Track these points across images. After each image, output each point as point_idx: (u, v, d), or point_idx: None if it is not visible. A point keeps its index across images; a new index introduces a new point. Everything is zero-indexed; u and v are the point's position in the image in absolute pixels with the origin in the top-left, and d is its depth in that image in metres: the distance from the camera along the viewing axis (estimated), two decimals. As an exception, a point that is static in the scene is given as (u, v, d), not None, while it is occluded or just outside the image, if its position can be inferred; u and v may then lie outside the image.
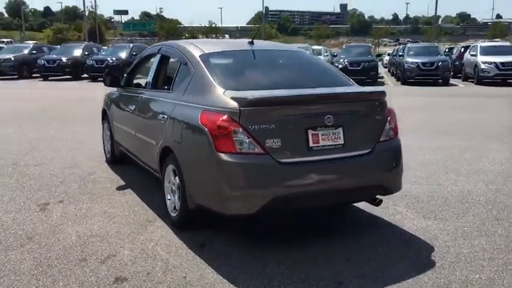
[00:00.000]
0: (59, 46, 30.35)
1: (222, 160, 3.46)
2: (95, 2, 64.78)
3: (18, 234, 4.09)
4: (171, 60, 4.88)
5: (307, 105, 3.67)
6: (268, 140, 3.48)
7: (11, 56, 24.70)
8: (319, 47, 30.28)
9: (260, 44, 4.88)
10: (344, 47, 27.90)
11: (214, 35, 75.49)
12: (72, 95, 17.34)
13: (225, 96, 3.64)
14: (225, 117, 3.48)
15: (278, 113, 3.54)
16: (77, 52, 25.12)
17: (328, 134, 3.68)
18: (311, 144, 3.61)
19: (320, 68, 4.75)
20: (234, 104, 3.49)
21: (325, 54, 27.21)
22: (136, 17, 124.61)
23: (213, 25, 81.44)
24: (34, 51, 25.99)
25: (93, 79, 22.19)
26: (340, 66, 21.18)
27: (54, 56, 24.39)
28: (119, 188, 5.38)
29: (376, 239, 4.01)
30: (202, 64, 4.13)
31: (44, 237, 4.02)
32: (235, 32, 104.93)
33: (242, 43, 4.78)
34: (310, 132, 3.61)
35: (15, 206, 4.83)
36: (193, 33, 75.24)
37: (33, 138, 8.35)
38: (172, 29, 76.62)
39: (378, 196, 4.09)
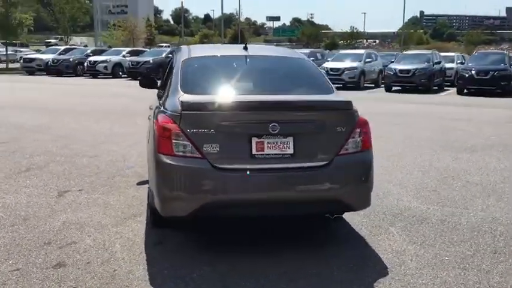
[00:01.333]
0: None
1: (161, 161, 3.55)
2: (239, 9, 67.96)
3: (18, 215, 4.61)
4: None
5: (251, 112, 3.59)
6: (206, 145, 3.48)
7: (150, 59, 26.87)
8: (452, 54, 28.33)
9: (254, 49, 4.82)
10: (475, 53, 25.65)
11: (354, 41, 74.49)
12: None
13: (178, 100, 3.72)
14: (167, 119, 3.57)
15: (219, 118, 3.52)
16: (358, 59, 22.72)
17: (275, 142, 3.56)
18: (254, 152, 3.53)
19: (303, 76, 4.55)
20: (178, 108, 3.56)
21: (458, 61, 25.49)
22: (288, 23, 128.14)
23: (354, 30, 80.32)
24: (170, 55, 27.75)
25: None
26: (466, 75, 19.71)
27: (339, 64, 22.50)
28: (139, 183, 5.71)
29: (332, 257, 3.77)
30: (181, 68, 4.25)
31: (36, 221, 4.47)
32: (379, 37, 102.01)
33: (237, 49, 4.79)
34: (254, 139, 3.53)
35: (41, 190, 5.42)
36: (334, 38, 74.97)
37: (113, 133, 9.17)
38: (314, 35, 77.23)
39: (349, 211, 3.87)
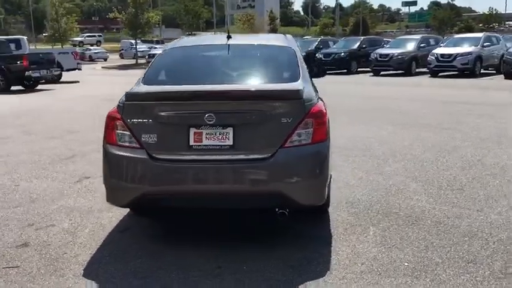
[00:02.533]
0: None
1: (106, 151, 3.66)
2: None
3: (29, 198, 5.04)
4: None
5: (188, 103, 3.52)
6: (144, 135, 3.51)
7: (342, 51, 24.42)
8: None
9: (237, 39, 4.66)
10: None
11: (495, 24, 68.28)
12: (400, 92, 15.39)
13: (130, 91, 3.78)
14: (115, 110, 3.66)
15: (158, 108, 3.51)
16: (411, 46, 22.83)
17: (214, 133, 3.46)
18: (191, 143, 3.47)
19: (273, 64, 4.30)
20: (123, 98, 3.63)
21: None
22: (426, 8, 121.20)
23: (494, 12, 73.55)
24: (364, 46, 24.97)
25: (376, 73, 22.12)
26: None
27: (387, 50, 22.82)
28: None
29: (280, 255, 3.56)
30: (156, 59, 4.32)
31: (38, 204, 4.86)
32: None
33: (221, 38, 4.68)
34: (192, 130, 3.47)
35: (66, 175, 5.87)
36: (468, 21, 69.48)
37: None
38: (446, 18, 72.20)
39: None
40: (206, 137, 3.47)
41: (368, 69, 23.16)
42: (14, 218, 4.47)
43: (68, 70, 22.33)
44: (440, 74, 20.22)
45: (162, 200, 3.57)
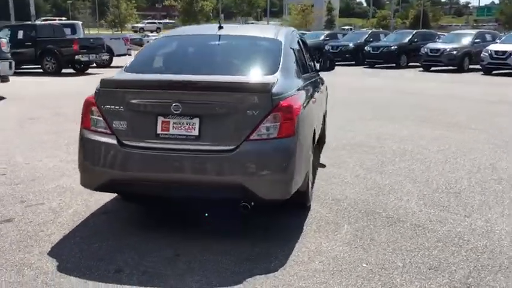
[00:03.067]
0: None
1: (80, 135, 3.79)
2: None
3: (32, 176, 5.30)
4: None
5: (156, 91, 3.58)
6: (116, 122, 3.60)
7: (391, 45, 23.37)
8: None
9: (228, 29, 4.63)
10: None
11: None
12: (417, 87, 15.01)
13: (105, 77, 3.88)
14: (91, 96, 3.77)
15: (130, 96, 3.59)
16: (465, 41, 21.70)
17: (181, 123, 3.50)
18: (159, 131, 3.53)
19: (253, 56, 4.27)
20: (99, 85, 3.73)
21: None
22: (497, 1, 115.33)
23: None
24: (415, 40, 23.75)
25: (426, 68, 21.45)
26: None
27: (439, 45, 21.78)
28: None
29: (240, 248, 3.57)
30: (144, 47, 4.42)
31: (38, 182, 5.09)
32: None
33: (213, 28, 4.68)
34: (160, 118, 3.53)
35: (76, 157, 6.07)
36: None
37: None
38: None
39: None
40: (173, 126, 3.51)
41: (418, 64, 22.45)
42: (10, 194, 4.71)
43: (118, 55, 23.04)
44: (494, 71, 19.30)
45: (129, 186, 3.65)
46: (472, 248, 3.58)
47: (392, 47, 23.27)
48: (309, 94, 4.33)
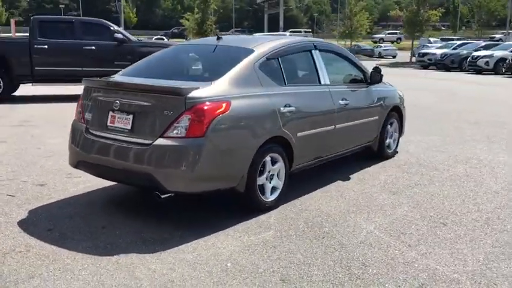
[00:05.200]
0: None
1: (71, 124, 4.75)
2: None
3: (48, 153, 6.29)
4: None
5: (108, 90, 4.29)
6: (87, 113, 4.45)
7: None
8: None
9: (224, 40, 5.01)
10: None
11: None
12: None
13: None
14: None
15: (95, 94, 4.40)
16: None
17: (122, 118, 4.15)
18: (108, 123, 4.25)
19: (216, 65, 4.61)
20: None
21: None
22: None
23: None
24: None
25: None
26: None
27: None
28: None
29: (175, 235, 3.91)
30: (152, 54, 5.21)
31: (52, 160, 6.02)
32: None
33: (212, 40, 5.17)
34: (110, 113, 4.27)
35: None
36: None
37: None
38: None
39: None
40: (117, 120, 4.18)
41: None
42: (17, 172, 5.62)
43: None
44: None
45: (88, 167, 4.43)
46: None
47: None
48: (268, 103, 4.41)
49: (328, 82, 5.22)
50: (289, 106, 4.56)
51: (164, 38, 43.49)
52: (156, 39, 34.14)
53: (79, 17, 21.99)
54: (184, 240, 3.79)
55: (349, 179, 5.53)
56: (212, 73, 4.33)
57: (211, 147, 3.86)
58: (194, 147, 3.80)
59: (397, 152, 6.77)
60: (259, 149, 4.25)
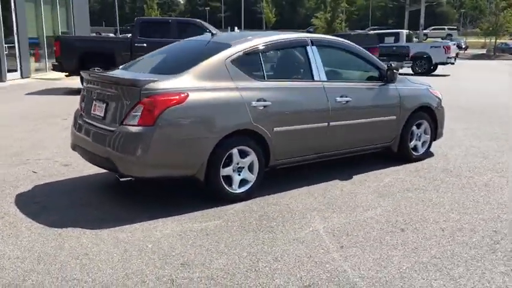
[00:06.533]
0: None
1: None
2: None
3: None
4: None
5: (94, 82, 4.73)
6: (82, 102, 4.99)
7: None
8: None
9: (216, 37, 5.15)
10: None
11: None
12: None
13: None
14: None
15: (87, 85, 4.88)
16: None
17: (100, 106, 4.57)
18: (91, 111, 4.73)
19: (189, 59, 4.75)
20: None
21: None
22: None
23: None
24: None
25: None
26: None
27: None
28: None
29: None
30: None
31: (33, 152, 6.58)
32: None
33: (207, 36, 5.37)
34: (93, 102, 4.73)
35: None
36: None
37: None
38: None
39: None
40: (97, 108, 4.63)
41: None
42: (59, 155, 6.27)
43: (440, 63, 22.65)
44: None
45: (80, 151, 4.93)
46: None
47: None
48: (228, 96, 4.47)
49: (324, 78, 5.12)
50: (264, 101, 4.59)
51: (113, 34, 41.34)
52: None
53: (176, 18, 23.58)
54: (132, 222, 4.08)
55: (350, 178, 5.37)
56: (183, 67, 4.54)
57: (161, 135, 4.10)
58: (144, 135, 4.09)
59: (431, 155, 6.34)
60: (223, 140, 4.37)
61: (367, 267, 3.33)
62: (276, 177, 5.22)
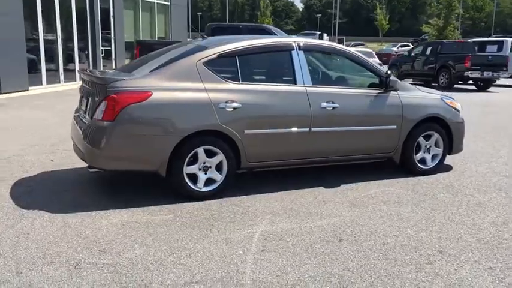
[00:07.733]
0: None
1: None
2: None
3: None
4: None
5: (83, 80, 5.14)
6: (80, 99, 5.46)
7: None
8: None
9: (206, 40, 5.25)
10: None
11: None
12: None
13: None
14: None
15: (81, 83, 5.35)
16: None
17: (86, 102, 5.01)
18: (82, 107, 5.17)
19: (165, 60, 4.86)
20: None
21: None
22: None
23: None
24: None
25: None
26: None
27: None
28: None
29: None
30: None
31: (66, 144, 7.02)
32: None
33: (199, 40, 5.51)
34: (82, 98, 5.15)
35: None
36: None
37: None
38: None
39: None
40: (83, 103, 5.08)
41: None
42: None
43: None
44: None
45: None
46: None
47: None
48: (193, 97, 4.59)
49: (309, 83, 5.07)
50: (233, 102, 4.67)
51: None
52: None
53: (246, 23, 23.99)
54: (90, 210, 4.40)
55: (336, 186, 5.26)
56: (155, 68, 4.77)
57: (120, 131, 4.38)
58: (106, 129, 4.40)
59: (448, 169, 6.04)
60: (186, 139, 4.54)
61: (269, 271, 3.29)
62: (261, 180, 5.31)
